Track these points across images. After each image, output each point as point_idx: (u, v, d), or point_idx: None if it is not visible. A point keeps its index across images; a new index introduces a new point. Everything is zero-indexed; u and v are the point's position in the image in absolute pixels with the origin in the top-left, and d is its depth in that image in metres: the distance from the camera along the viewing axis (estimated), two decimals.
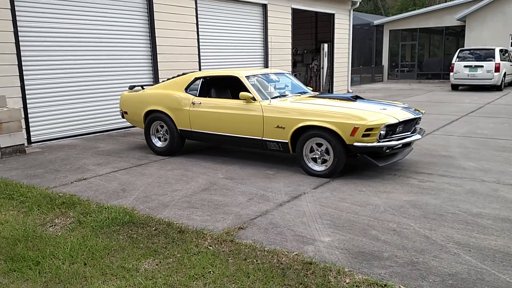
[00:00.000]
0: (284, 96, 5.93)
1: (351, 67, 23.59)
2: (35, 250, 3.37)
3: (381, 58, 24.76)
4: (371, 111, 5.02)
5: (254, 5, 12.44)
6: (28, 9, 7.39)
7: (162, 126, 6.55)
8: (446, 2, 25.73)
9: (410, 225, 3.64)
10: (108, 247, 3.38)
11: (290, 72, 14.30)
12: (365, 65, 25.80)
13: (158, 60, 9.67)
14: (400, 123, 4.97)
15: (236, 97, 5.95)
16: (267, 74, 6.35)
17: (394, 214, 3.89)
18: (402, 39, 24.56)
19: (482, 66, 15.81)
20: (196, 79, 6.33)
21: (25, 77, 7.40)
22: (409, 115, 5.16)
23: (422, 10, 23.23)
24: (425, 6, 34.50)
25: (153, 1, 9.35)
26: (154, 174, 5.47)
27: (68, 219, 4.02)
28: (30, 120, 7.58)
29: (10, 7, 7.07)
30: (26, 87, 7.44)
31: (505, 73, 16.09)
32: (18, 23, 7.23)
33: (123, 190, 4.83)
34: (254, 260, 3.08)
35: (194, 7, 10.40)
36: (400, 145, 5.07)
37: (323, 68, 17.59)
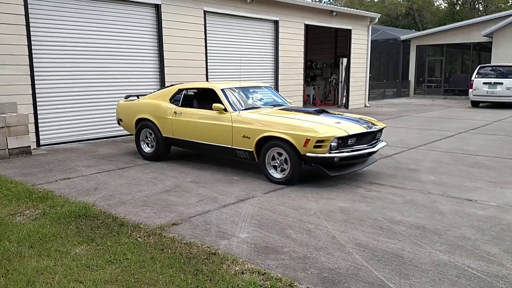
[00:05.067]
0: (257, 108, 6.31)
1: (376, 81, 23.66)
2: None
3: (408, 73, 24.55)
4: (324, 125, 5.36)
5: (265, 22, 12.95)
6: (42, 24, 8.21)
7: (150, 133, 7.11)
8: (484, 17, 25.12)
9: (326, 227, 3.92)
10: (55, 234, 3.88)
11: (304, 85, 14.64)
12: (393, 80, 25.64)
13: (165, 72, 10.32)
14: (350, 136, 5.26)
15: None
16: (247, 87, 6.76)
17: (320, 217, 4.18)
18: (429, 55, 24.28)
19: (501, 83, 15.48)
20: (180, 90, 6.88)
21: (36, 86, 8.20)
22: (361, 129, 5.44)
23: (449, 26, 22.92)
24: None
25: (162, 17, 10.05)
26: (130, 176, 5.98)
27: (36, 210, 4.58)
28: (40, 125, 8.36)
29: (25, 23, 7.91)
30: (37, 95, 8.24)
31: None
32: (32, 37, 8.06)
33: (95, 189, 5.36)
34: (169, 250, 3.48)
35: (203, 23, 11.02)
36: (353, 157, 5.35)
37: (341, 82, 17.77)
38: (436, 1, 48.16)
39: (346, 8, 16.69)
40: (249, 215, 4.28)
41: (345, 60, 17.24)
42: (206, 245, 3.55)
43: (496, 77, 15.88)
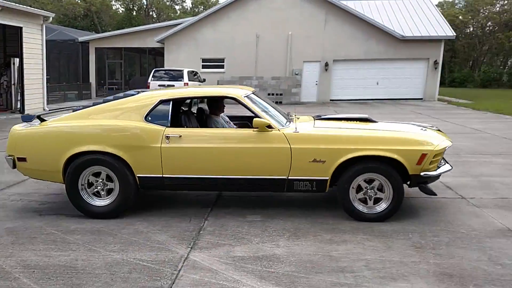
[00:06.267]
0: (289, 121, 4.64)
1: (56, 84, 22.37)
2: None
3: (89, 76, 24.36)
4: (432, 135, 4.38)
5: None
6: None
7: (99, 175, 4.34)
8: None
9: None
10: None
11: None
12: (75, 82, 24.84)
13: None
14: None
15: (204, 125, 4.92)
16: (252, 93, 4.91)
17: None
18: (109, 57, 24.83)
19: (173, 86, 17.50)
20: (162, 101, 4.40)
21: None
22: (448, 137, 4.62)
23: (126, 31, 24.12)
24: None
25: None
26: None
27: None
28: None
29: None
30: None
31: None
32: None
33: None
34: None
35: None
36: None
37: (14, 84, 15.95)
38: (114, 5, 49.60)
39: (13, 4, 14.97)
40: None
41: (17, 60, 15.57)
42: None
43: (169, 80, 17.84)
